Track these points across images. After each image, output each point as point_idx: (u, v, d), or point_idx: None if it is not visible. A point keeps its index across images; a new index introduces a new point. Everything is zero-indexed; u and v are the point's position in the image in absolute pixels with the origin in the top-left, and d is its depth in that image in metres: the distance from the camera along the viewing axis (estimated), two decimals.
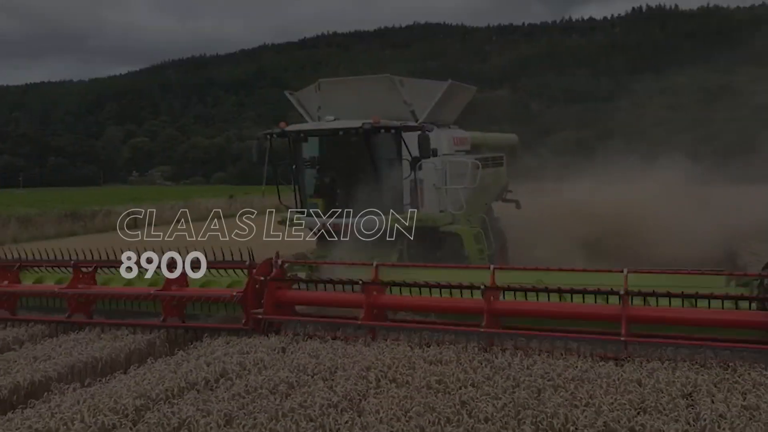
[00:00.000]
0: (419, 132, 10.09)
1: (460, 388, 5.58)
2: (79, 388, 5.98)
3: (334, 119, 10.60)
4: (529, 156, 17.50)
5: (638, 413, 4.98)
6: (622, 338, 6.42)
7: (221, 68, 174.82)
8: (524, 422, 4.83)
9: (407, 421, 4.82)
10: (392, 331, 7.37)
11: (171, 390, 5.73)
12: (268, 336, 7.56)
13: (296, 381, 5.87)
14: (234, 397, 5.49)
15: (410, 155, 10.27)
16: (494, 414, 4.99)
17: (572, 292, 6.89)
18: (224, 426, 4.89)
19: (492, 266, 7.22)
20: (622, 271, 6.71)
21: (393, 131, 10.34)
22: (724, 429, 4.65)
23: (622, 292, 6.53)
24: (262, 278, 7.79)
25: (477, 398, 5.31)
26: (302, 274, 8.69)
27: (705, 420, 4.79)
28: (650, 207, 14.44)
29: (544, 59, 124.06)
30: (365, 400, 5.39)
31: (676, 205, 14.45)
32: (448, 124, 12.59)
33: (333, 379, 5.90)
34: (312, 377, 5.97)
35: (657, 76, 77.28)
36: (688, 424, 4.79)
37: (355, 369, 6.11)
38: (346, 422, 4.88)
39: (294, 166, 11.11)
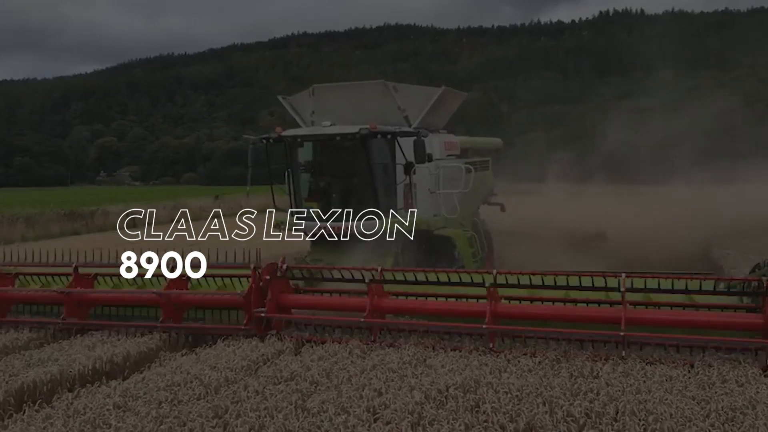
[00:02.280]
0: (414, 137, 10.23)
1: (503, 351, 6.92)
2: (183, 356, 7.18)
3: (331, 124, 10.73)
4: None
5: (647, 364, 6.39)
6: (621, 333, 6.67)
7: (190, 67, 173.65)
8: (560, 371, 6.20)
9: (471, 372, 6.13)
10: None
11: (266, 356, 7.01)
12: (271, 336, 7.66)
13: (367, 348, 7.16)
14: (320, 359, 6.75)
15: (405, 160, 10.44)
16: (535, 366, 6.37)
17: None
18: (326, 377, 6.15)
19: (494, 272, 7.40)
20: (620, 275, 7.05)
21: (389, 136, 10.50)
22: (712, 373, 6.07)
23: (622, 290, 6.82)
24: (268, 277, 7.72)
25: (518, 357, 6.68)
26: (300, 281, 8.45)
27: (698, 367, 6.25)
28: (635, 209, 15.87)
29: (513, 61, 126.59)
30: (429, 359, 6.70)
31: (658, 209, 15.90)
32: (439, 129, 12.87)
33: (396, 346, 7.20)
34: (379, 344, 7.26)
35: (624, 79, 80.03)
36: (686, 369, 6.24)
37: (411, 341, 7.38)
38: (422, 373, 6.19)
39: (289, 170, 11.22)
